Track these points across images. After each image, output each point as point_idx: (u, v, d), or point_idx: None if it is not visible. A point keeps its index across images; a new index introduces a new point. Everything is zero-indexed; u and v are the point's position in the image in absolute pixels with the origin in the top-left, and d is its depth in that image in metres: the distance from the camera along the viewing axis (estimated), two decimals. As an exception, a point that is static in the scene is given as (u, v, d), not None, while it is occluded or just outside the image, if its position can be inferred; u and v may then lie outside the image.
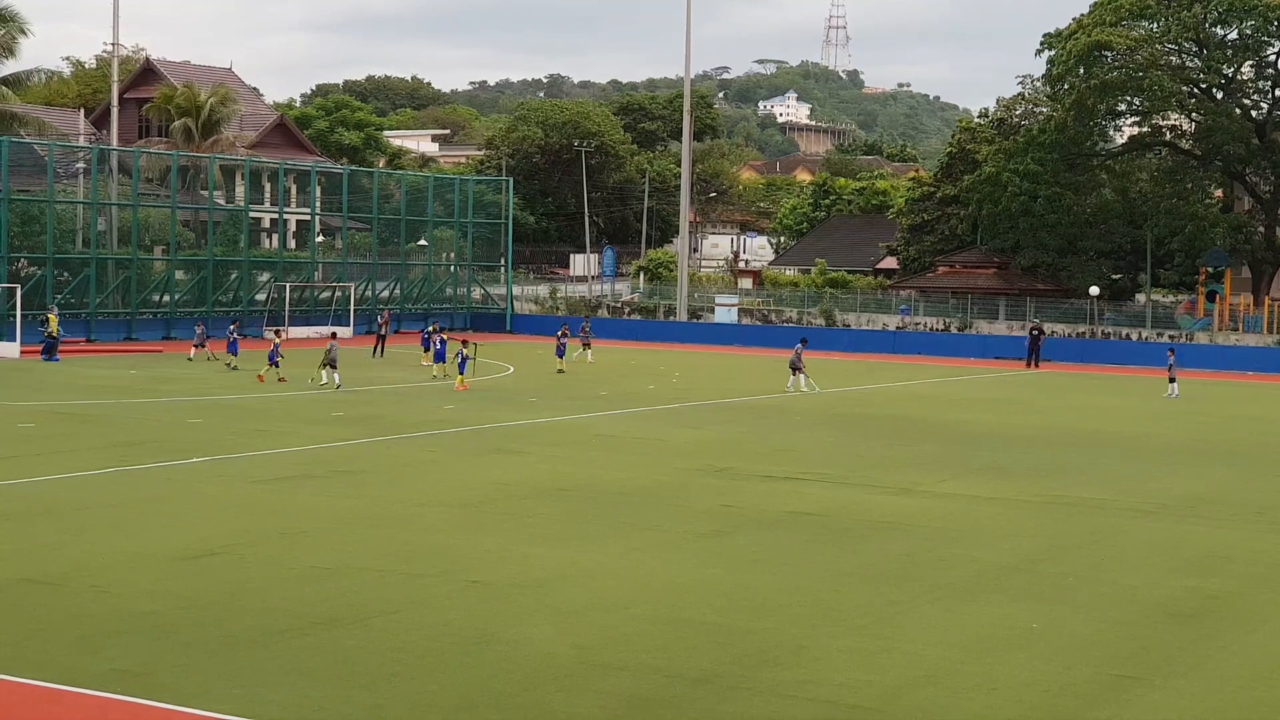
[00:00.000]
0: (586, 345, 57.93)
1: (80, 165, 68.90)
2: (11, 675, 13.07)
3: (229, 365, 48.55)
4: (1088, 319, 76.65)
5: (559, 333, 53.93)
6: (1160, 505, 24.98)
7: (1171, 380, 49.70)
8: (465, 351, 44.34)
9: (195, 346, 52.84)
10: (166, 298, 66.96)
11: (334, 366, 42.93)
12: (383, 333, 59.27)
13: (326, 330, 67.45)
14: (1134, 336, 74.71)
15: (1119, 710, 13.18)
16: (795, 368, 46.18)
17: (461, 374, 43.59)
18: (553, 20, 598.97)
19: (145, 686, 12.82)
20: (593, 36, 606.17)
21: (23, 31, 70.62)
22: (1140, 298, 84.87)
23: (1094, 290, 75.84)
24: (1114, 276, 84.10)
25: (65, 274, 62.72)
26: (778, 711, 12.78)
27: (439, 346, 49.05)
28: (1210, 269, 77.72)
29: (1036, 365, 64.28)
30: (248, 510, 21.86)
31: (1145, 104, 79.08)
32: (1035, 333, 66.42)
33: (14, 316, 54.40)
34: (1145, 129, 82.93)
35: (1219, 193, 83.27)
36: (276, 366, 44.38)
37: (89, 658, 13.64)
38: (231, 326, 51.80)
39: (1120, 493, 26.30)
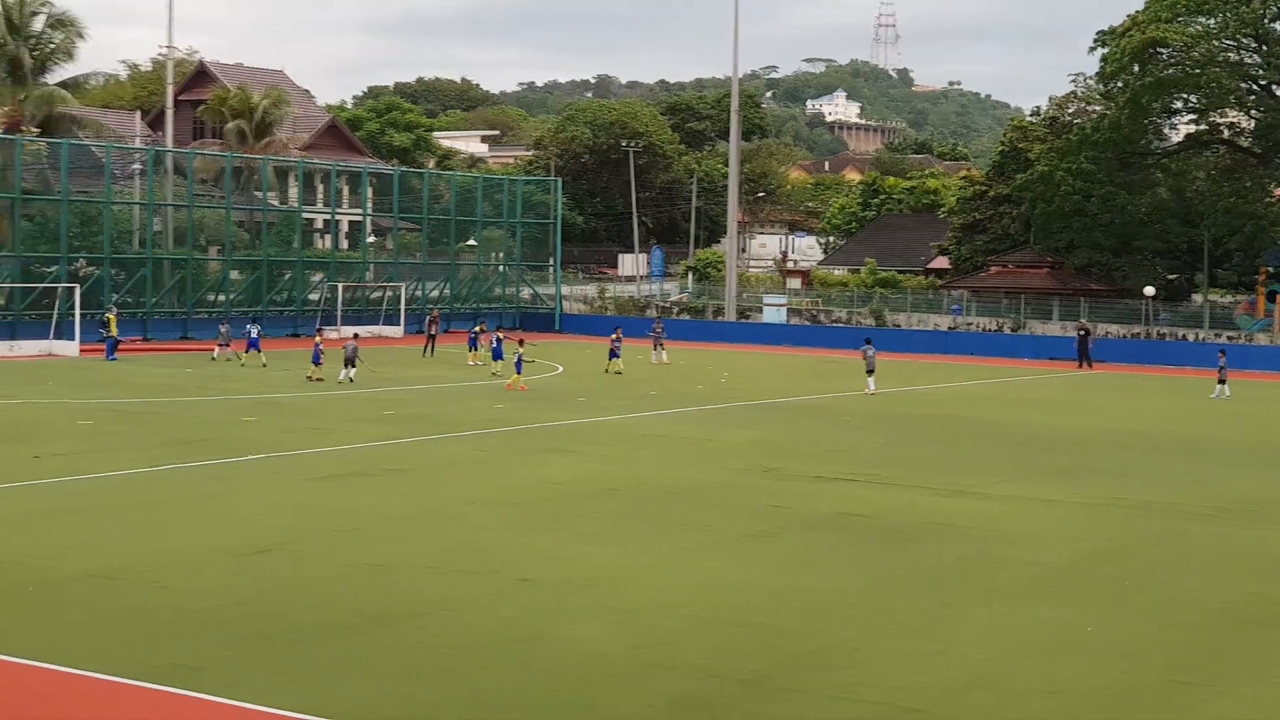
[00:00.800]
0: (659, 346, 57.26)
1: (136, 167, 69.53)
2: (74, 668, 13.21)
3: (242, 364, 49.06)
4: (1143, 320, 76.04)
5: (613, 335, 53.59)
6: (1220, 509, 24.73)
7: (1221, 381, 49.12)
8: (521, 352, 44.42)
9: (220, 346, 52.60)
10: (221, 297, 67.41)
11: (350, 364, 44.03)
12: (432, 332, 59.45)
13: (368, 330, 68.11)
14: (1190, 337, 74.03)
15: (1179, 716, 13.08)
16: (872, 369, 45.86)
17: (519, 374, 43.68)
18: (600, 21, 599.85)
19: (203, 681, 12.93)
20: (640, 37, 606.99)
21: (80, 36, 71.32)
22: (1197, 298, 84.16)
23: (1149, 290, 75.22)
24: (1170, 276, 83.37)
25: (122, 274, 63.25)
26: (829, 714, 12.76)
27: (495, 345, 49.77)
28: (1271, 269, 76.91)
29: (1089, 366, 63.79)
30: (302, 507, 22.00)
31: (1202, 101, 78.32)
32: (1082, 333, 65.93)
33: (73, 316, 54.87)
34: (1202, 127, 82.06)
35: (1279, 191, 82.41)
36: (319, 365, 44.65)
37: (148, 652, 13.76)
38: (250, 325, 52.01)
39: (1178, 495, 26.06)
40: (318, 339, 46.39)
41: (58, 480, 23.92)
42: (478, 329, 55.57)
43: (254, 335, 51.13)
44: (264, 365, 48.86)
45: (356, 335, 48.13)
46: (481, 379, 47.27)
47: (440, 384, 45.17)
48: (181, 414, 34.70)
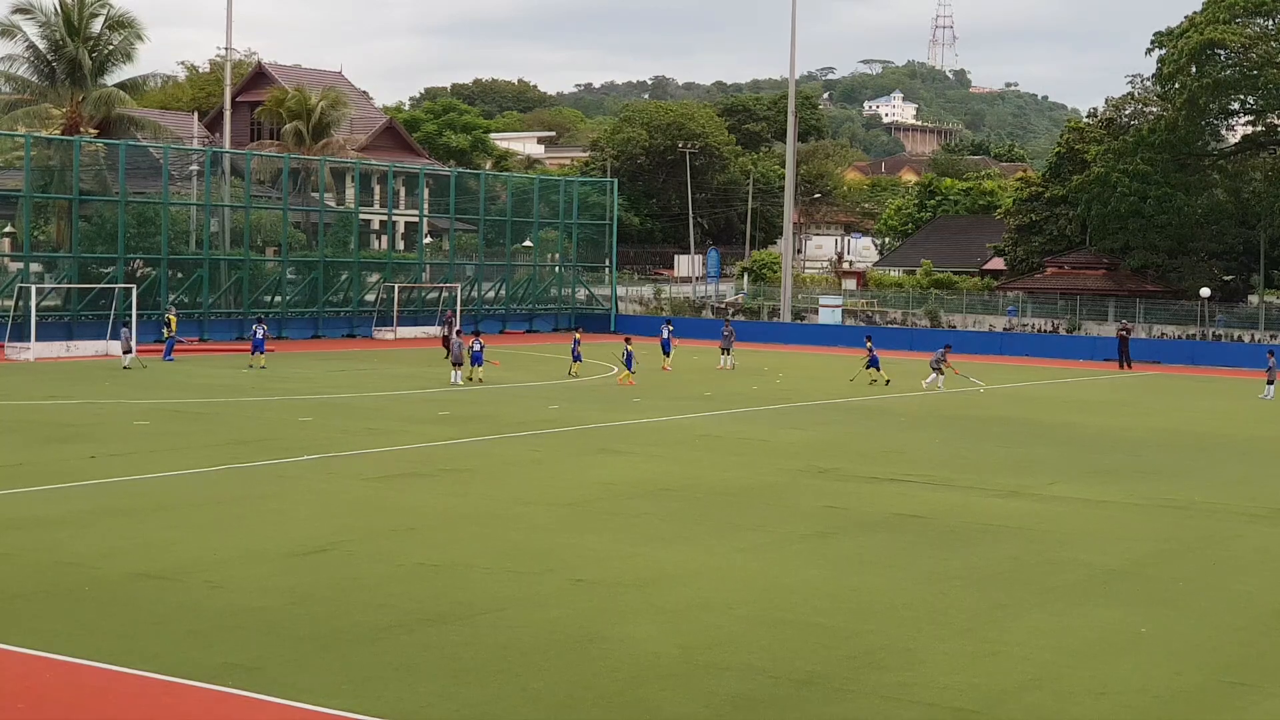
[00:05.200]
0: (726, 351, 55.25)
1: (194, 168, 70.03)
2: (128, 668, 13.34)
3: (253, 366, 48.65)
4: (1198, 320, 75.51)
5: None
6: (1274, 510, 24.56)
7: (1270, 382, 48.93)
8: (630, 349, 46.80)
9: (125, 353, 48.52)
10: (278, 298, 67.82)
11: (459, 365, 44.56)
12: (446, 333, 58.80)
13: (423, 331, 68.32)
14: (1246, 338, 73.47)
15: (1233, 716, 13.01)
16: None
17: (629, 370, 46.06)
18: (657, 22, 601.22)
19: (257, 681, 13.03)
20: (697, 38, 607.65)
21: (140, 37, 72.01)
22: (1253, 299, 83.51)
23: (1205, 292, 74.73)
24: (1225, 278, 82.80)
25: (179, 274, 63.73)
26: (882, 714, 12.74)
27: (576, 348, 50.24)
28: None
29: (1128, 366, 63.51)
30: (357, 507, 22.12)
31: (1260, 102, 77.77)
32: (1123, 334, 65.54)
33: (130, 316, 55.30)
34: (1259, 128, 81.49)
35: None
36: (479, 365, 45.16)
37: (202, 651, 13.88)
38: (255, 325, 51.63)
39: (1232, 496, 25.92)
40: (480, 342, 46.17)
41: (113, 480, 24.14)
42: (579, 336, 53.36)
43: (259, 337, 50.59)
44: (262, 367, 48.41)
45: (460, 332, 48.33)
46: (537, 380, 47.39)
47: (496, 385, 45.24)
48: (238, 414, 34.94)
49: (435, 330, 68.37)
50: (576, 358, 49.66)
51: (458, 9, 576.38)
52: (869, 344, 51.31)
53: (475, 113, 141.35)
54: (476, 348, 45.47)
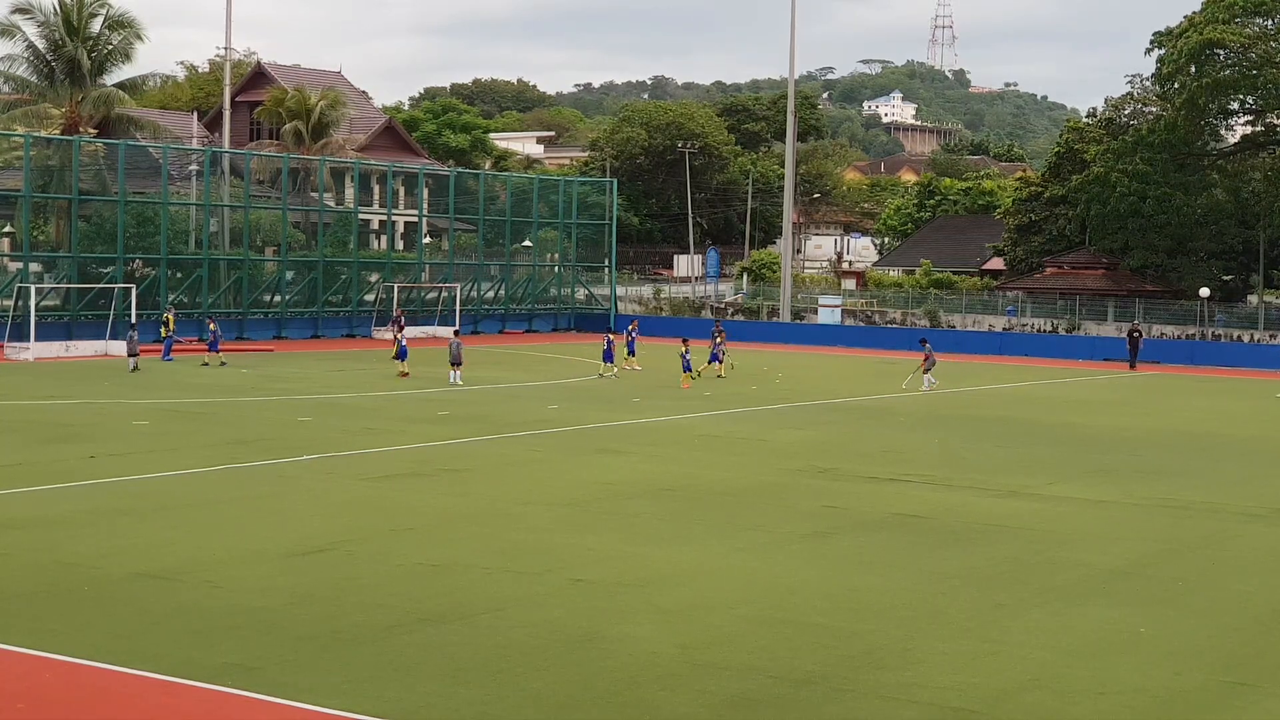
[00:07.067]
0: (716, 360, 52.57)
1: (193, 168, 70.04)
2: (127, 668, 13.33)
3: (214, 364, 48.93)
4: (1198, 320, 75.50)
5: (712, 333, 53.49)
6: (1274, 510, 24.53)
7: None
8: (684, 352, 47.24)
9: (131, 355, 47.75)
10: (277, 298, 67.79)
11: (457, 365, 44.58)
12: (396, 333, 58.20)
13: (422, 330, 68.16)
14: (1246, 338, 73.46)
15: (1232, 716, 13.01)
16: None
17: (686, 372, 46.51)
18: (657, 22, 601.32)
19: (256, 681, 13.02)
20: (697, 38, 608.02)
21: (139, 37, 71.97)
22: (1252, 299, 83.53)
23: (1204, 291, 74.73)
24: (1225, 278, 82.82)
25: (178, 274, 63.70)
26: (882, 713, 12.73)
27: (609, 349, 50.08)
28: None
29: (1133, 367, 63.50)
30: (357, 507, 22.11)
31: (1259, 102, 77.83)
32: (1134, 334, 65.55)
33: (129, 315, 55.29)
34: (1259, 128, 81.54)
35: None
36: (405, 360, 46.29)
37: (202, 651, 13.87)
38: (210, 324, 51.62)
39: (1233, 496, 25.90)
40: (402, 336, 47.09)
41: (113, 480, 24.12)
42: (611, 336, 53.10)
43: (214, 337, 50.66)
44: (204, 364, 49.00)
45: (457, 332, 48.44)
46: (537, 380, 47.39)
47: (495, 384, 45.27)
48: (237, 414, 34.92)
49: (388, 333, 68.22)
50: (608, 358, 49.55)
51: (458, 9, 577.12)
52: (719, 334, 52.60)
53: (474, 113, 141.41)
54: (404, 342, 46.98)
